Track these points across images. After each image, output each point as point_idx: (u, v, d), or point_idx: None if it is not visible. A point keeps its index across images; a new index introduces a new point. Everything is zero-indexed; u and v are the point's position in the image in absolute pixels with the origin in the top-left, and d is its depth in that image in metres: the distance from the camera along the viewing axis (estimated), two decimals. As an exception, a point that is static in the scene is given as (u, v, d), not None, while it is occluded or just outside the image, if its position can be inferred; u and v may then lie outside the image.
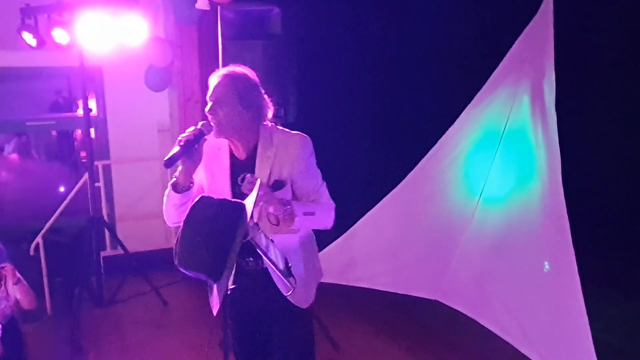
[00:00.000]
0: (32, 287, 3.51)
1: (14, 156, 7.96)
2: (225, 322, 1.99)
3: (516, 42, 3.76)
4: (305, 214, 2.03)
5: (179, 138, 1.97)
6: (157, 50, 4.69)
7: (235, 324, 2.28)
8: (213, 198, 1.79)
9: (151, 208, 5.36)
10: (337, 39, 5.83)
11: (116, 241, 4.70)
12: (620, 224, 5.75)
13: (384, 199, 4.44)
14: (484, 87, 3.97)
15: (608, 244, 5.54)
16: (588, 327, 3.07)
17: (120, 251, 4.68)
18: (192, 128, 2.02)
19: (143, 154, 5.30)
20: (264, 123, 2.15)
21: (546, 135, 3.48)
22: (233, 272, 2.10)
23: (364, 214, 4.51)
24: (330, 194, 2.22)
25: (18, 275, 3.33)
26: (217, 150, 2.16)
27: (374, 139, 6.44)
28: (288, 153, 2.10)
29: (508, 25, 4.01)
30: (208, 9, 4.20)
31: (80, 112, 5.92)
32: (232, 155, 2.16)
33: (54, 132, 8.52)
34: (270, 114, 2.16)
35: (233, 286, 2.12)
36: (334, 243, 4.44)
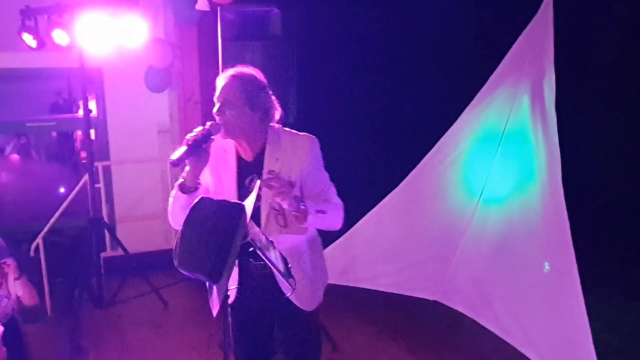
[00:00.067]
0: (32, 288, 3.51)
1: (15, 157, 7.97)
2: (226, 323, 1.99)
3: (516, 42, 3.75)
4: (317, 212, 2.02)
5: (187, 137, 1.96)
6: (157, 51, 4.69)
7: (237, 324, 2.27)
8: (213, 199, 1.79)
9: (151, 209, 5.36)
10: (337, 40, 5.83)
11: (116, 242, 4.70)
12: (621, 224, 5.75)
13: (384, 200, 4.44)
14: (484, 87, 3.96)
15: (608, 244, 5.54)
16: (588, 327, 3.07)
17: (120, 252, 4.68)
18: (200, 128, 2.00)
19: (143, 155, 5.30)
20: (271, 124, 2.14)
21: (546, 135, 3.48)
22: (238, 272, 2.11)
23: (364, 215, 4.50)
24: (331, 194, 2.21)
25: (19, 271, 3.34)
26: (223, 151, 2.15)
27: (374, 139, 6.44)
28: (296, 154, 2.10)
29: (508, 25, 4.01)
30: (208, 9, 4.19)
31: (80, 113, 5.92)
32: (238, 157, 2.15)
33: (54, 133, 8.53)
34: (277, 115, 2.15)
35: (235, 287, 2.12)
36: (335, 243, 4.44)
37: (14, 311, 3.41)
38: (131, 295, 4.73)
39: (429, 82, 6.02)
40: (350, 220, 4.53)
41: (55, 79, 8.02)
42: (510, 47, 3.79)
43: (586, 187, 5.41)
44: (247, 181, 2.10)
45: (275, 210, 2.07)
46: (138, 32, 4.10)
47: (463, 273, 4.28)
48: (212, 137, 2.00)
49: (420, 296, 4.48)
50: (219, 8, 3.72)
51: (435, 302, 4.43)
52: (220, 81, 2.08)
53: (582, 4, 5.28)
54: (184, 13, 4.76)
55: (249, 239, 1.74)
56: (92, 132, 5.02)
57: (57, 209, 4.56)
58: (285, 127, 2.21)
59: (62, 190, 6.42)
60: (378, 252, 4.60)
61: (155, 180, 5.39)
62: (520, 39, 3.73)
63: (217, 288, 1.75)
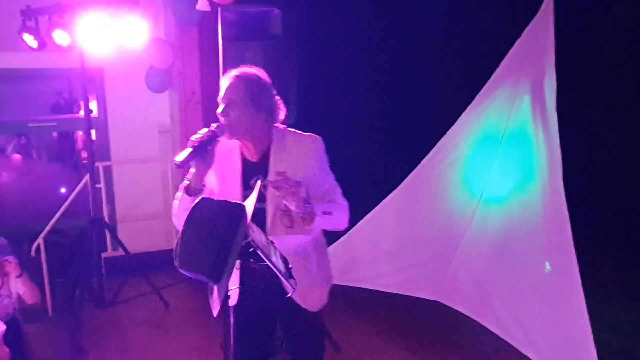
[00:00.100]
0: (33, 288, 3.52)
1: (16, 156, 7.97)
2: (226, 323, 1.99)
3: (517, 42, 3.75)
4: (324, 213, 2.02)
5: (191, 139, 1.95)
6: (158, 51, 4.70)
7: (238, 324, 2.25)
8: (213, 199, 1.79)
9: (152, 209, 5.37)
10: (337, 40, 5.83)
11: (117, 242, 4.70)
12: (622, 224, 5.75)
13: (385, 200, 4.44)
14: (485, 88, 3.96)
15: (609, 244, 5.54)
16: (589, 327, 3.07)
17: (121, 252, 4.69)
18: (205, 130, 1.99)
19: (144, 155, 5.30)
20: (276, 125, 2.13)
21: (547, 135, 3.48)
22: (240, 272, 2.11)
23: (364, 215, 4.51)
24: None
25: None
26: (228, 152, 2.14)
27: (374, 139, 6.44)
28: (302, 154, 2.09)
29: (508, 25, 4.01)
30: (208, 10, 4.20)
31: (81, 113, 5.92)
32: (243, 158, 2.14)
33: (54, 134, 8.52)
34: (282, 115, 2.14)
35: (236, 287, 2.12)
36: (335, 244, 4.44)
37: (15, 310, 3.42)
38: (132, 295, 4.74)
39: (429, 82, 6.02)
40: (351, 220, 4.53)
41: (56, 79, 8.01)
42: (510, 47, 3.79)
43: (587, 187, 5.41)
44: (252, 182, 2.09)
45: (281, 210, 2.06)
46: (139, 33, 4.10)
47: (463, 273, 4.28)
48: (218, 138, 1.99)
49: (421, 296, 4.48)
50: (219, 8, 3.73)
51: (435, 302, 4.43)
52: (225, 82, 2.07)
53: (583, 4, 5.28)
54: (184, 13, 4.76)
55: (249, 239, 1.74)
56: (93, 132, 5.02)
57: (58, 209, 4.56)
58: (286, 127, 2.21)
59: (63, 190, 6.42)
60: (378, 252, 4.60)
61: (156, 180, 5.39)
62: (520, 39, 3.73)
63: (217, 288, 1.75)
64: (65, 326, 4.09)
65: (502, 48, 3.83)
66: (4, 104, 7.09)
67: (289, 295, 2.02)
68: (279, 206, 2.06)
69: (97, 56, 4.26)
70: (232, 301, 2.11)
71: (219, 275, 1.65)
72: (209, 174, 2.05)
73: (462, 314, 4.21)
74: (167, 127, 5.35)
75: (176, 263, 1.72)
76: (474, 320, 4.10)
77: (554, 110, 3.41)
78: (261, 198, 2.09)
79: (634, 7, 5.37)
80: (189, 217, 1.74)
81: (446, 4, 5.57)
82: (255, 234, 1.81)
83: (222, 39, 3.65)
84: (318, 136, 2.15)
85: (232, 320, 2.12)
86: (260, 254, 1.79)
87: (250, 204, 1.80)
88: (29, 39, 4.18)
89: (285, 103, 2.22)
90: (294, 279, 1.93)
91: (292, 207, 1.96)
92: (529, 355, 3.57)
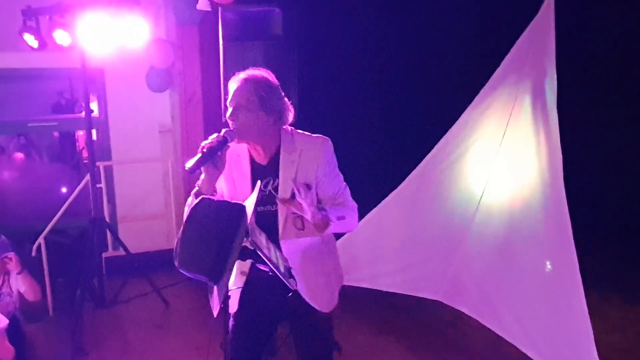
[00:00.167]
0: (34, 288, 3.52)
1: (17, 156, 7.98)
2: (226, 323, 1.99)
3: (517, 41, 3.75)
4: (338, 218, 2.01)
5: (202, 145, 1.94)
6: (159, 51, 4.70)
7: (238, 324, 2.25)
8: (213, 199, 1.79)
9: (153, 209, 5.37)
10: (338, 40, 5.83)
11: (118, 242, 4.70)
12: (623, 224, 5.75)
13: (385, 200, 4.44)
14: (485, 88, 3.96)
15: (610, 244, 5.54)
16: (590, 327, 3.07)
17: (121, 252, 4.69)
18: (215, 135, 1.98)
19: (145, 154, 5.31)
20: (284, 127, 2.12)
21: (547, 135, 3.48)
22: (249, 275, 2.10)
23: (365, 215, 4.51)
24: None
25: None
26: (237, 156, 2.12)
27: (375, 139, 6.44)
28: (312, 156, 2.08)
29: (509, 25, 4.00)
30: (209, 9, 4.20)
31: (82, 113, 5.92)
32: (252, 161, 2.13)
33: (55, 133, 8.53)
34: (291, 117, 2.13)
35: (237, 287, 2.12)
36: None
37: (16, 309, 3.43)
38: (132, 295, 4.74)
39: (429, 82, 6.02)
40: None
41: (56, 79, 8.02)
42: (511, 46, 3.79)
43: (587, 187, 5.40)
44: (262, 185, 2.08)
45: (293, 213, 2.05)
46: (139, 33, 4.10)
47: (464, 273, 4.28)
48: (228, 143, 1.98)
49: (422, 296, 4.48)
50: (220, 8, 3.72)
51: (436, 301, 4.42)
52: (233, 85, 2.06)
53: (583, 4, 5.27)
54: (185, 13, 4.76)
55: (249, 239, 1.74)
56: (94, 132, 5.03)
57: (59, 209, 4.57)
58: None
59: (64, 190, 6.43)
60: (379, 252, 4.60)
61: (156, 180, 5.40)
62: (521, 38, 3.73)
63: (217, 288, 1.76)
64: (65, 326, 4.10)
65: (502, 48, 3.82)
66: (5, 104, 7.09)
67: (289, 294, 2.03)
68: (290, 209, 2.05)
69: (97, 56, 4.27)
70: (233, 308, 2.11)
71: (219, 275, 1.66)
72: (219, 178, 2.04)
73: (463, 313, 4.21)
74: (167, 127, 5.36)
75: (176, 263, 1.72)
76: (475, 320, 4.09)
77: (555, 110, 3.41)
78: (272, 201, 2.09)
79: (635, 7, 5.37)
80: (189, 217, 1.75)
81: (446, 4, 5.57)
82: (256, 234, 1.82)
83: (223, 38, 3.65)
84: (327, 137, 2.15)
85: (231, 321, 2.12)
86: (260, 254, 1.80)
87: (250, 204, 1.80)
88: (30, 39, 4.18)
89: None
90: (294, 279, 1.93)
91: (307, 217, 1.94)
92: (530, 354, 3.57)
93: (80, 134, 7.58)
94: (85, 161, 6.77)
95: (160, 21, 5.05)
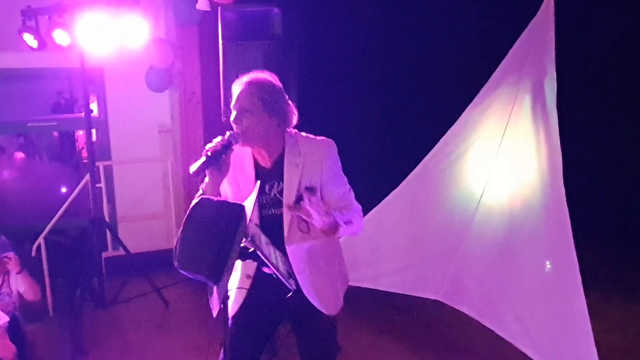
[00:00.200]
0: (34, 288, 3.52)
1: (17, 156, 7.97)
2: (226, 323, 1.99)
3: (517, 41, 3.75)
4: (345, 222, 2.01)
5: (206, 148, 1.94)
6: (158, 51, 4.70)
7: (240, 325, 2.23)
8: (212, 199, 1.79)
9: (152, 209, 5.37)
10: (338, 40, 5.83)
11: (117, 242, 4.70)
12: (622, 224, 5.75)
13: (385, 200, 4.44)
14: (485, 87, 3.96)
15: (610, 244, 5.54)
16: (590, 327, 3.07)
17: (121, 252, 4.69)
18: (219, 138, 1.97)
19: (144, 154, 5.30)
20: (288, 130, 2.12)
21: (547, 135, 3.48)
22: (254, 279, 2.10)
23: (365, 215, 4.50)
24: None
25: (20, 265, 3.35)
26: (240, 159, 2.12)
27: (375, 139, 6.44)
28: (316, 159, 2.08)
29: (509, 25, 4.00)
30: (209, 9, 4.20)
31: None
32: (256, 164, 2.12)
33: (55, 133, 8.53)
34: (294, 120, 2.12)
35: (237, 287, 2.11)
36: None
37: (16, 309, 3.43)
38: (132, 295, 4.74)
39: (429, 82, 6.01)
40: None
41: (56, 79, 8.01)
42: (511, 46, 3.79)
43: (587, 187, 5.40)
44: (267, 188, 2.08)
45: (298, 216, 2.04)
46: (139, 32, 4.10)
47: (465, 273, 4.28)
48: (232, 147, 1.98)
49: (422, 296, 4.48)
50: (219, 8, 3.72)
51: (436, 301, 4.43)
52: (236, 88, 2.05)
53: (583, 4, 5.27)
54: (184, 13, 4.76)
55: (248, 239, 1.74)
56: (94, 132, 5.02)
57: (59, 209, 4.57)
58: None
59: (63, 190, 6.43)
60: (379, 252, 4.60)
61: (156, 180, 5.39)
62: (521, 38, 3.73)
63: (217, 289, 1.75)
64: (65, 326, 4.10)
65: (502, 48, 3.83)
66: (4, 104, 7.08)
67: (289, 295, 2.02)
68: (297, 213, 2.04)
69: (97, 56, 4.26)
70: (233, 309, 2.10)
71: (219, 275, 1.65)
72: (223, 182, 2.04)
73: (463, 313, 4.21)
74: (167, 127, 5.35)
75: (175, 263, 1.72)
76: (475, 320, 4.09)
77: (555, 110, 3.41)
78: (277, 204, 2.08)
79: (635, 7, 5.37)
80: (188, 217, 1.74)
81: (446, 4, 5.57)
82: (255, 234, 1.82)
83: (222, 38, 3.65)
84: (331, 140, 2.14)
85: (230, 322, 2.11)
86: (260, 254, 1.80)
87: (249, 204, 1.80)
88: (29, 39, 4.18)
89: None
90: (294, 279, 1.93)
91: (316, 224, 1.93)
92: (530, 354, 3.57)
93: (80, 133, 7.57)
94: (84, 161, 6.76)
95: (160, 21, 5.05)
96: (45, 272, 4.41)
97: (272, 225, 2.07)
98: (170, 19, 5.06)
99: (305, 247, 2.09)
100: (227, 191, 2.14)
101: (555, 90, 3.41)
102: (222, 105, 3.63)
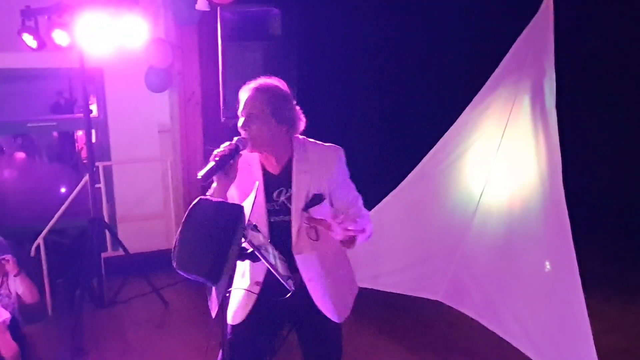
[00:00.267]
0: (33, 288, 3.52)
1: (17, 155, 7.98)
2: (225, 323, 1.98)
3: (516, 41, 3.75)
4: (361, 232, 1.98)
5: (214, 153, 1.93)
6: (158, 51, 4.70)
7: (241, 328, 2.22)
8: (211, 200, 1.78)
9: (152, 209, 5.37)
10: (337, 40, 5.82)
11: (117, 242, 4.70)
12: (622, 224, 5.74)
13: (385, 200, 4.44)
14: (484, 87, 3.96)
15: (610, 244, 5.54)
16: (589, 327, 3.07)
17: (121, 252, 4.69)
18: (227, 143, 1.96)
19: (144, 154, 5.30)
20: (296, 136, 2.11)
21: (547, 135, 3.48)
22: (262, 286, 2.09)
23: (364, 215, 4.50)
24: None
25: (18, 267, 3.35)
26: (248, 165, 2.10)
27: (374, 139, 6.43)
28: (324, 165, 2.07)
29: (508, 25, 4.00)
30: (208, 9, 4.20)
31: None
32: (264, 170, 2.11)
33: (55, 133, 8.53)
34: (302, 126, 2.11)
35: (235, 287, 2.11)
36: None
37: (15, 310, 3.43)
38: (132, 295, 4.74)
39: (429, 82, 6.01)
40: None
41: (56, 79, 8.02)
42: (510, 46, 3.79)
43: (587, 187, 5.40)
44: (275, 195, 2.07)
45: (307, 224, 2.04)
46: (138, 32, 4.10)
47: (464, 273, 4.28)
48: (240, 152, 1.96)
49: (422, 296, 4.47)
50: (219, 8, 3.73)
51: (436, 302, 4.42)
52: (244, 94, 2.04)
53: (583, 4, 5.27)
54: (184, 13, 4.76)
55: (247, 240, 1.73)
56: (93, 132, 5.02)
57: (58, 209, 4.57)
58: None
59: (63, 190, 6.43)
60: (379, 252, 4.59)
61: (156, 180, 5.39)
62: (520, 38, 3.73)
63: (215, 289, 1.75)
64: (65, 326, 4.09)
65: (502, 48, 3.82)
66: (4, 104, 7.09)
67: (287, 296, 2.02)
68: (304, 219, 2.04)
69: (96, 56, 4.26)
70: (240, 316, 2.10)
71: (218, 276, 1.65)
72: (230, 187, 2.02)
73: (463, 314, 4.21)
74: (167, 127, 5.35)
75: (174, 264, 1.72)
76: (475, 320, 4.09)
77: (554, 110, 3.41)
78: (286, 211, 2.08)
79: (634, 7, 5.36)
80: (187, 217, 1.74)
81: (446, 4, 5.56)
82: (254, 235, 1.81)
83: (222, 38, 3.66)
84: (339, 146, 2.14)
85: (230, 324, 2.10)
86: (258, 254, 1.79)
87: (248, 205, 1.79)
88: (29, 39, 4.17)
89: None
90: (292, 280, 1.93)
91: (336, 236, 1.92)
92: (530, 354, 3.57)
93: (80, 134, 7.58)
94: (84, 161, 6.77)
95: (160, 21, 5.04)
96: (45, 272, 4.41)
97: (280, 233, 2.07)
98: (169, 19, 5.06)
99: (315, 254, 2.08)
100: (234, 197, 2.12)
101: (555, 91, 3.41)
102: (221, 105, 3.64)
